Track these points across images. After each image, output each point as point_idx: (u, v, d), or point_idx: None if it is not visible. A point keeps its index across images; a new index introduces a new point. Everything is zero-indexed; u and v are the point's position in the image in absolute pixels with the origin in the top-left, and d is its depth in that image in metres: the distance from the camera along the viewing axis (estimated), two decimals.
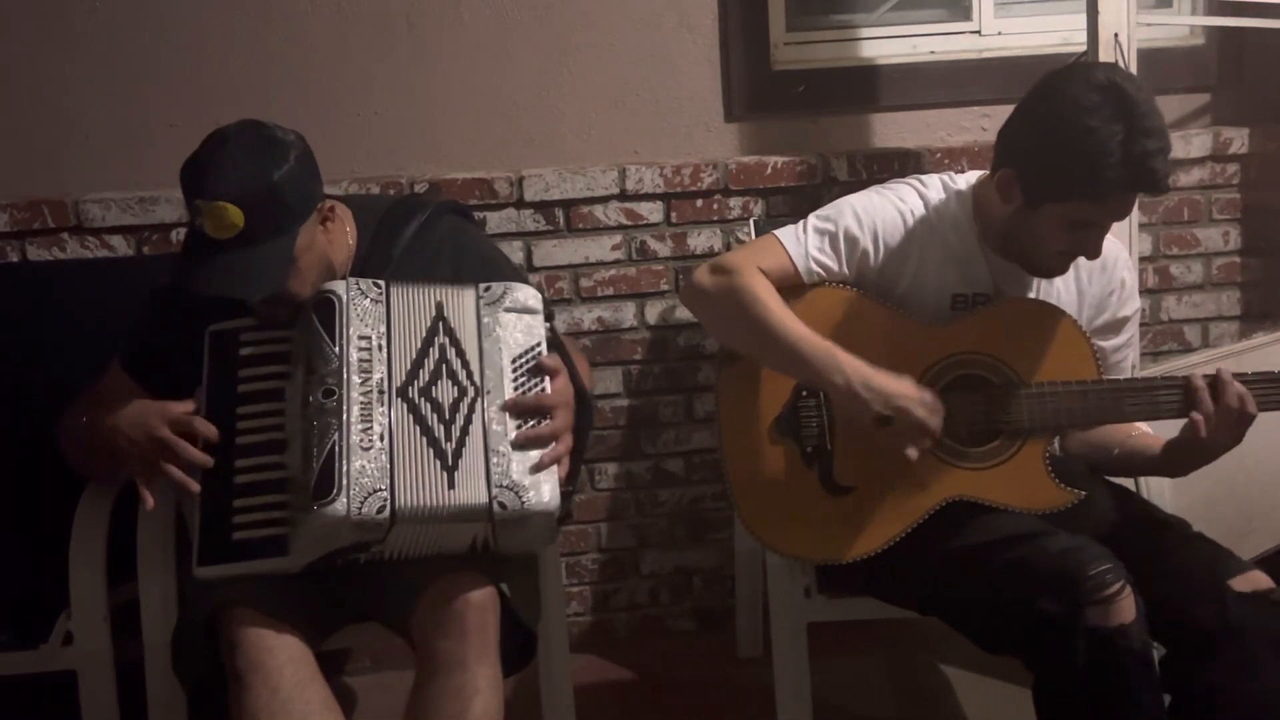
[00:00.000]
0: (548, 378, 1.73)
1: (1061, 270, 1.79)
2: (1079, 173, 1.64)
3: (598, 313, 2.52)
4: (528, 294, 1.77)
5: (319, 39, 2.41)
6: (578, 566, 2.64)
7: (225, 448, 1.66)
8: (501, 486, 1.63)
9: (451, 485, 1.63)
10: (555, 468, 1.68)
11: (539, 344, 1.75)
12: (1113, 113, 1.61)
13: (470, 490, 1.63)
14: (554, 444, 1.69)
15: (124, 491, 1.88)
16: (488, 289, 1.76)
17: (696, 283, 1.80)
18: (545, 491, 1.65)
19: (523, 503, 1.63)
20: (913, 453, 1.68)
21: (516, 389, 1.70)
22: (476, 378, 1.70)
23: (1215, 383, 1.70)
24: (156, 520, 1.84)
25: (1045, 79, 1.71)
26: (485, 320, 1.73)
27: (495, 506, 1.62)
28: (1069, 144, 1.63)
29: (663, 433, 2.60)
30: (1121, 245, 1.91)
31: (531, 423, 1.69)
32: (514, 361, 1.72)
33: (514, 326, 1.74)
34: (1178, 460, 1.77)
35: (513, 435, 1.67)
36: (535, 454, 1.66)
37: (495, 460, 1.64)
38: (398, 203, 1.91)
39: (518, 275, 1.93)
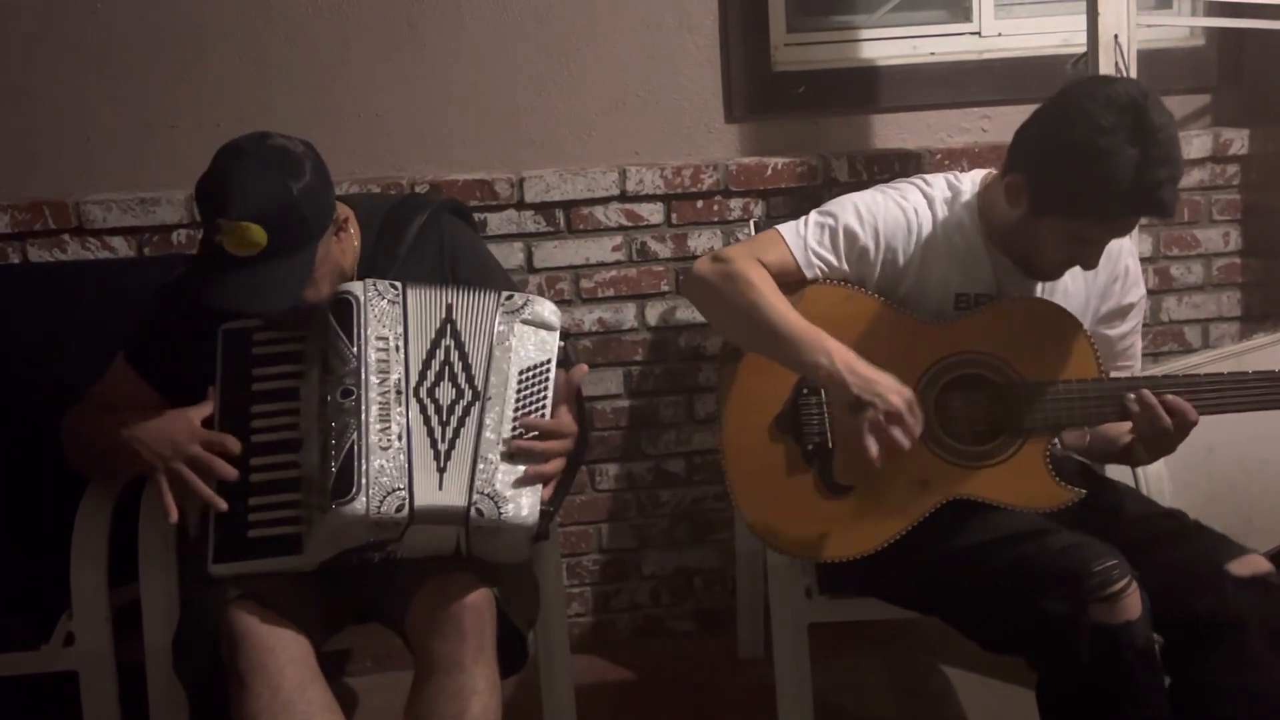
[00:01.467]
0: (549, 396, 1.73)
1: (1056, 276, 1.80)
2: (1088, 193, 1.63)
3: (598, 314, 2.53)
4: (547, 309, 1.78)
5: (320, 40, 2.41)
6: (578, 567, 2.64)
7: (238, 459, 1.67)
8: (482, 494, 1.64)
9: (440, 486, 1.64)
10: (539, 486, 1.68)
11: (549, 360, 1.75)
12: (1129, 136, 1.59)
13: (452, 492, 1.64)
14: (546, 454, 1.68)
15: (125, 492, 1.88)
16: (509, 298, 1.76)
17: (695, 271, 1.81)
18: (525, 506, 1.65)
19: (500, 513, 1.63)
20: (873, 446, 1.61)
21: (519, 401, 1.70)
22: (478, 382, 1.70)
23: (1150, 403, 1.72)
24: (158, 521, 1.84)
25: (1067, 88, 1.69)
26: (501, 328, 1.74)
27: (473, 512, 1.63)
28: (1082, 163, 1.62)
29: (663, 433, 2.60)
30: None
31: (529, 435, 1.69)
32: (521, 374, 1.72)
33: (528, 339, 1.75)
34: (1137, 457, 1.83)
35: (504, 445, 1.67)
36: (522, 468, 1.66)
37: (481, 466, 1.65)
38: (399, 202, 1.91)
39: (508, 280, 1.94)
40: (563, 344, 1.79)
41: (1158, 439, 1.74)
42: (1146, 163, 1.59)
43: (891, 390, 1.64)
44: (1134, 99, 1.62)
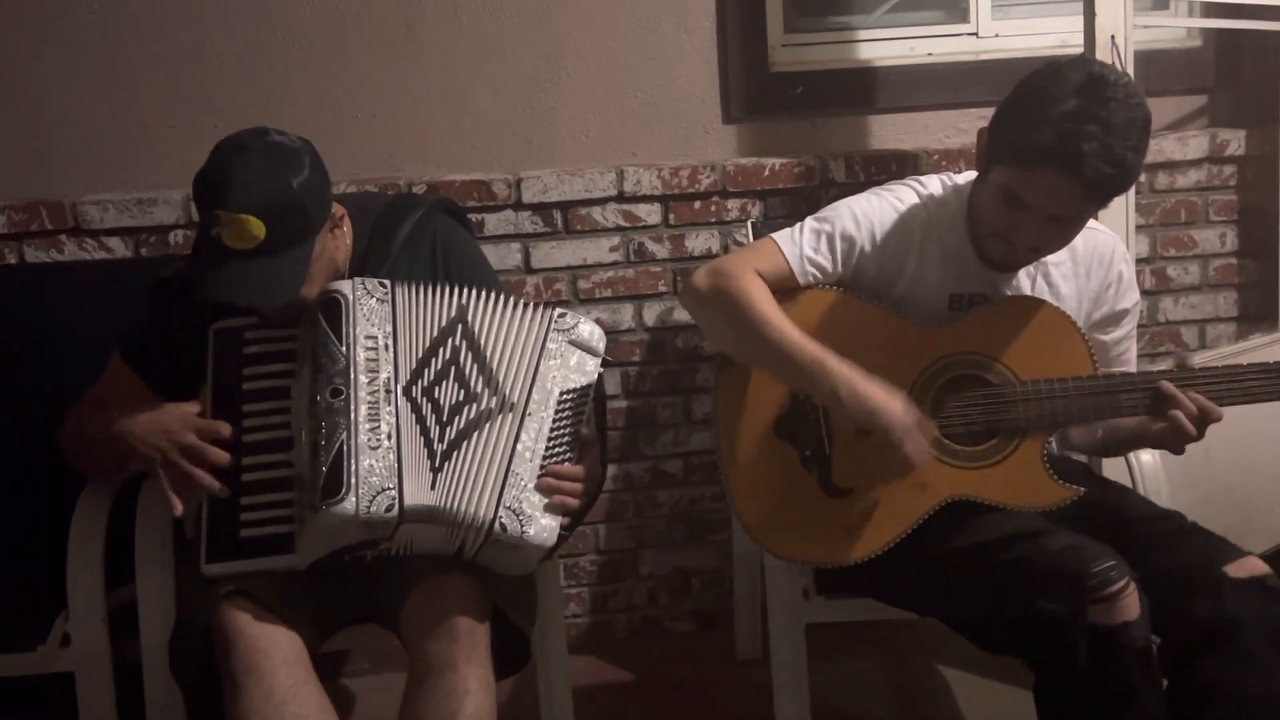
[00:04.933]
0: (583, 419, 1.75)
1: (1003, 262, 1.76)
2: (1016, 129, 1.63)
3: (596, 314, 2.52)
4: (595, 333, 1.80)
5: (318, 41, 2.41)
6: (576, 568, 2.64)
7: (232, 446, 1.67)
8: (509, 508, 1.65)
9: (432, 486, 1.64)
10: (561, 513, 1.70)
11: (589, 385, 1.77)
12: (1076, 90, 1.59)
13: (461, 497, 1.64)
14: (573, 494, 1.70)
15: (122, 492, 1.88)
16: (562, 315, 1.78)
17: (693, 286, 1.80)
18: (546, 529, 1.67)
19: (523, 531, 1.65)
20: (897, 470, 1.67)
21: (556, 421, 1.72)
22: (512, 391, 1.71)
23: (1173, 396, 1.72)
24: (155, 522, 1.84)
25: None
26: (550, 345, 1.75)
27: (497, 526, 1.64)
28: (1021, 101, 1.64)
29: (661, 434, 2.60)
30: (1118, 238, 1.91)
31: (562, 449, 1.71)
32: (563, 394, 1.74)
33: (573, 359, 1.76)
34: (1155, 444, 1.81)
35: (539, 463, 1.68)
36: (549, 496, 1.68)
37: (511, 481, 1.66)
38: (392, 201, 1.92)
39: (497, 283, 1.94)
40: (601, 371, 1.80)
41: (1180, 435, 1.72)
42: (1082, 114, 1.57)
43: (897, 418, 1.65)
44: (1104, 73, 1.62)
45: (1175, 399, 1.71)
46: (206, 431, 1.66)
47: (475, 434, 1.68)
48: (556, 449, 1.71)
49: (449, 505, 1.64)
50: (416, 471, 1.64)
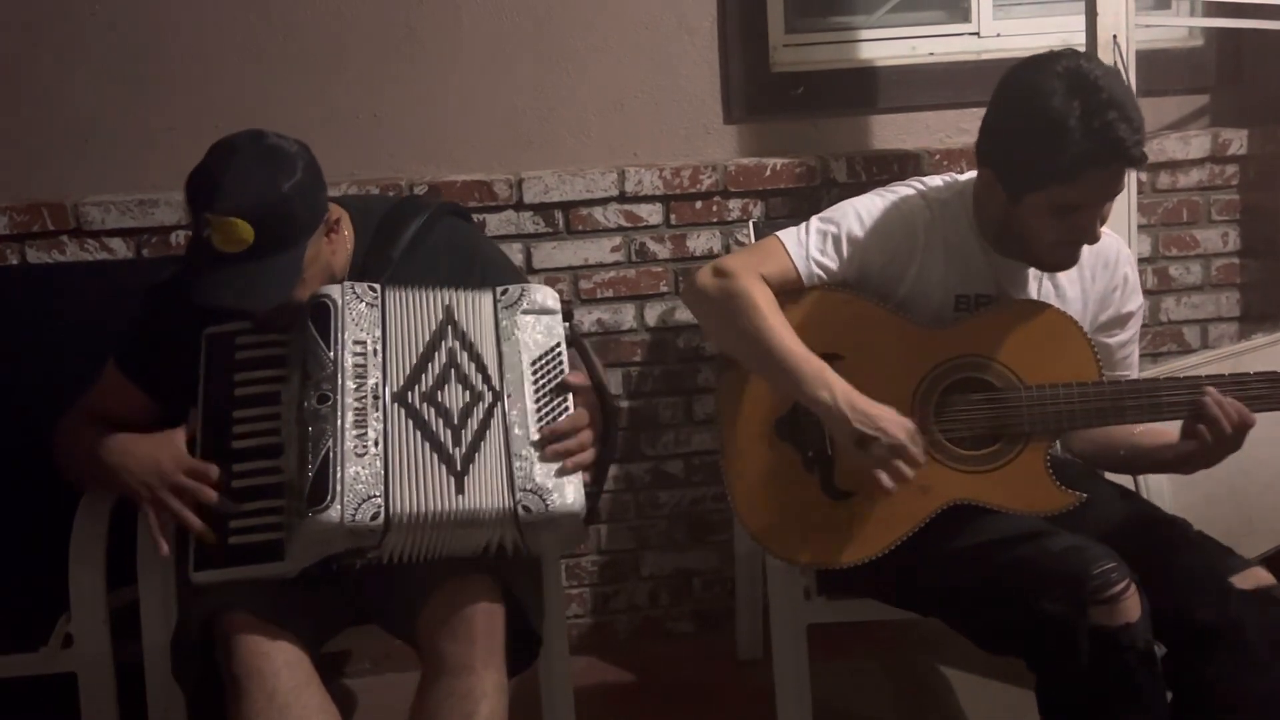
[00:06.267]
0: (565, 375, 1.73)
1: (1069, 262, 1.77)
2: (1043, 156, 1.63)
3: (597, 315, 2.52)
4: (545, 294, 1.78)
5: (318, 42, 2.41)
6: (577, 568, 2.64)
7: (222, 452, 1.66)
8: (525, 490, 1.64)
9: (460, 490, 1.62)
10: (579, 472, 1.68)
11: (559, 344, 1.75)
12: (1068, 91, 1.61)
13: (486, 495, 1.63)
14: (579, 447, 1.68)
15: (123, 494, 1.88)
16: (504, 292, 1.76)
17: (698, 284, 1.80)
18: (569, 493, 1.65)
19: (547, 505, 1.63)
20: (886, 481, 1.66)
21: (537, 391, 1.70)
22: (495, 381, 1.70)
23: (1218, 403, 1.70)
24: None
25: (1008, 73, 1.72)
26: (503, 324, 1.74)
27: (520, 510, 1.63)
28: (1029, 130, 1.64)
29: (662, 434, 2.60)
30: (1122, 241, 1.91)
31: (554, 415, 1.69)
32: (534, 364, 1.72)
33: (532, 328, 1.75)
34: (1184, 466, 1.79)
35: (535, 436, 1.67)
36: (557, 463, 1.66)
37: (518, 464, 1.65)
38: (396, 205, 1.90)
39: (518, 275, 1.93)
40: (567, 324, 1.78)
41: (1221, 446, 1.72)
42: (1091, 108, 1.59)
43: (893, 424, 1.66)
44: (1069, 65, 1.64)
45: (1221, 405, 1.69)
46: (195, 472, 1.65)
47: (486, 432, 1.67)
48: (547, 413, 1.69)
49: (480, 507, 1.62)
50: (426, 479, 1.62)
